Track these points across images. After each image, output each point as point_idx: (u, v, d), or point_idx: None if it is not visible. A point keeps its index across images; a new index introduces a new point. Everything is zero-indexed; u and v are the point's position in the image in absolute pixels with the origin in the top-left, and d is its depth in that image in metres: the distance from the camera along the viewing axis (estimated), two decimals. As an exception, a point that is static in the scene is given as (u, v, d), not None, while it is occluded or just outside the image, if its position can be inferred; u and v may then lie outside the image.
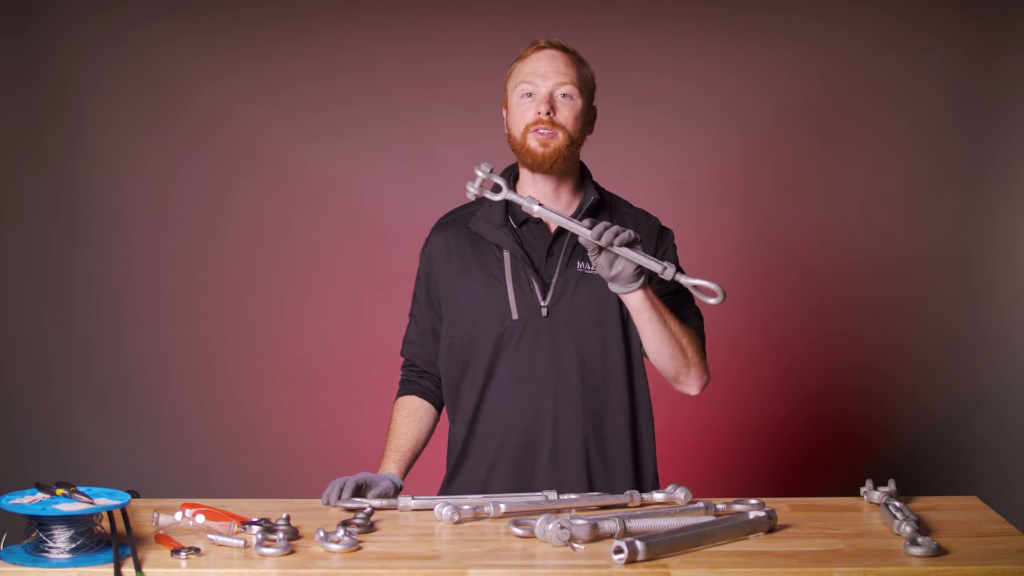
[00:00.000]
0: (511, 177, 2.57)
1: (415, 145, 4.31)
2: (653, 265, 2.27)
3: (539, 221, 2.52)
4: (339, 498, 2.32)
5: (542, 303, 2.47)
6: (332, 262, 4.33)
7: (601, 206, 2.55)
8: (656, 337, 2.40)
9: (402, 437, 2.56)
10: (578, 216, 2.49)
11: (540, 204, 2.29)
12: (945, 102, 4.24)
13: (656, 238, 2.56)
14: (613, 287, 2.33)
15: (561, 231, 2.51)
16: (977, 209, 4.26)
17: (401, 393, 2.65)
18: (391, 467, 2.50)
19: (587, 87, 2.51)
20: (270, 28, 4.28)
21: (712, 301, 2.26)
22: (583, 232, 2.26)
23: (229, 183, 4.32)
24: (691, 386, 2.49)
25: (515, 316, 2.47)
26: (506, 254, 2.50)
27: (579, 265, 2.49)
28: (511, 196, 2.31)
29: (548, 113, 2.45)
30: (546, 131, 2.44)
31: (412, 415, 2.60)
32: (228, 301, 4.33)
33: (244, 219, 4.32)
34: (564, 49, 2.50)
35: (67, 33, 4.22)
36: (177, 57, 4.25)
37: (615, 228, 2.25)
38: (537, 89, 2.46)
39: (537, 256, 2.50)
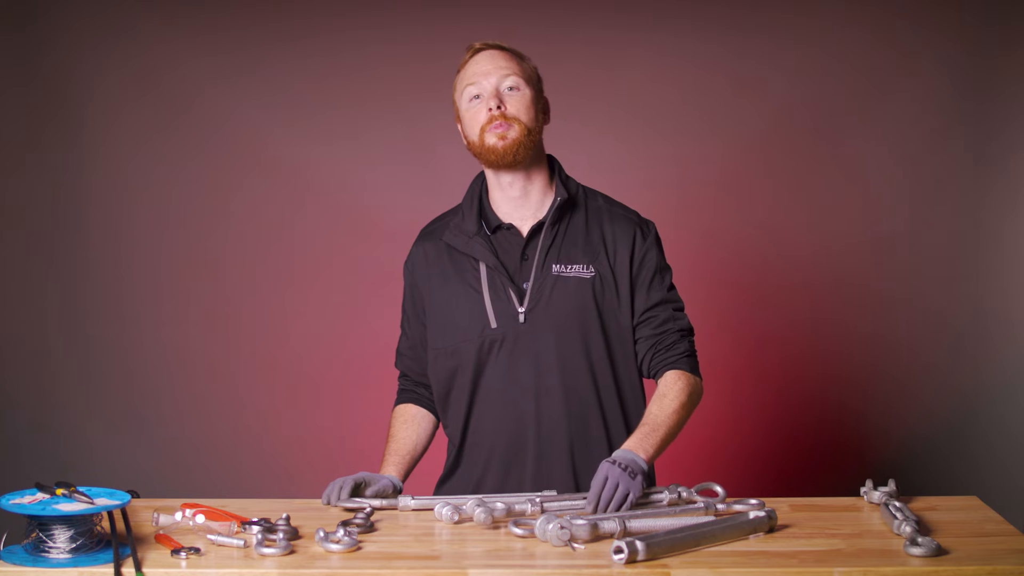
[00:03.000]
0: (482, 189, 2.56)
1: (415, 145, 4.31)
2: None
3: (510, 226, 2.52)
4: (339, 498, 2.32)
5: (519, 309, 2.47)
6: (332, 262, 4.33)
7: (569, 205, 2.53)
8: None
9: (400, 442, 2.56)
10: (548, 216, 2.49)
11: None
12: (945, 100, 4.23)
13: (634, 235, 2.53)
14: None
15: (533, 234, 2.49)
16: (978, 207, 4.26)
17: (399, 402, 2.65)
18: (390, 470, 2.51)
19: (532, 78, 2.51)
20: (270, 28, 4.28)
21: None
22: (590, 512, 2.24)
23: (229, 183, 4.32)
24: None
25: (494, 325, 2.47)
26: (481, 264, 2.49)
27: (554, 268, 2.48)
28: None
29: (499, 107, 2.44)
30: (501, 125, 2.44)
31: (409, 421, 2.60)
32: (228, 301, 4.33)
33: (244, 219, 4.32)
34: (500, 48, 2.50)
35: (67, 33, 4.22)
36: (177, 57, 4.25)
37: (615, 502, 2.23)
38: (482, 88, 2.46)
39: (511, 262, 2.50)
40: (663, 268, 2.55)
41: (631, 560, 1.95)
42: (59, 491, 2.02)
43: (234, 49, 4.27)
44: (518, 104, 2.46)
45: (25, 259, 4.28)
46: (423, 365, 2.60)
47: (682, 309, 2.55)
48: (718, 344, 4.25)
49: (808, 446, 4.30)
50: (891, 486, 2.35)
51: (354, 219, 4.31)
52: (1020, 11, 4.16)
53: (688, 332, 2.53)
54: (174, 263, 4.32)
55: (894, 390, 4.30)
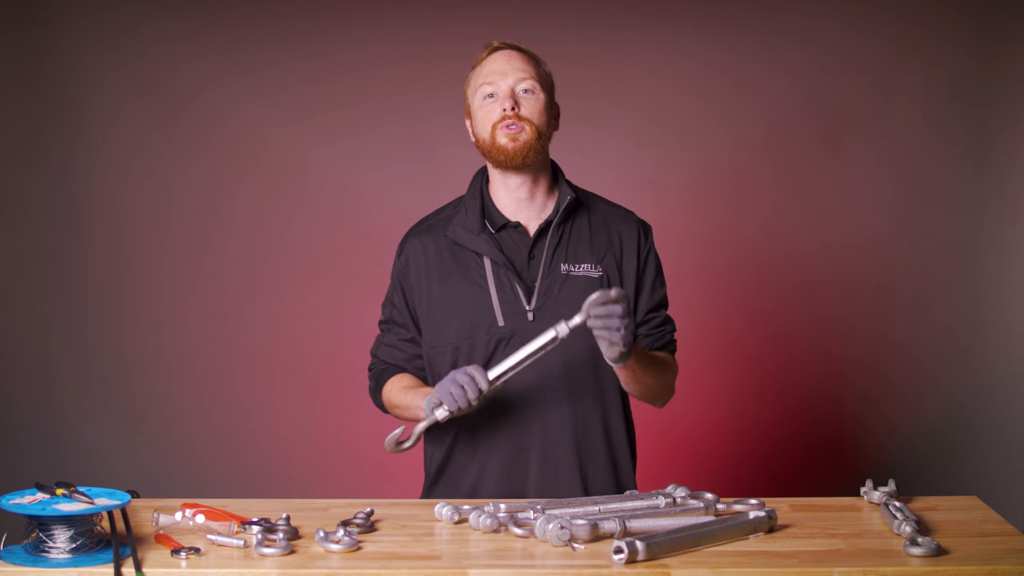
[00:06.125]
0: (482, 181, 2.56)
1: (415, 145, 4.31)
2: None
3: (518, 225, 2.52)
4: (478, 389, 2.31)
5: (527, 307, 2.47)
6: (332, 262, 4.33)
7: (577, 205, 2.55)
8: (630, 388, 2.49)
9: (420, 386, 2.52)
10: (556, 215, 2.50)
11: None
12: (944, 101, 4.23)
13: (638, 236, 2.56)
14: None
15: (541, 234, 2.50)
16: (977, 208, 4.26)
17: (387, 376, 2.59)
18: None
19: (547, 83, 2.52)
20: (270, 28, 4.28)
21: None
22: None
23: (229, 183, 4.32)
24: (656, 405, 2.58)
25: (501, 323, 2.46)
26: (487, 260, 2.49)
27: (562, 267, 2.49)
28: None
29: (513, 108, 2.45)
30: (514, 126, 2.44)
31: (417, 383, 2.54)
32: (228, 301, 4.33)
33: (244, 219, 4.32)
34: (519, 49, 2.51)
35: (67, 33, 4.22)
36: (178, 57, 4.25)
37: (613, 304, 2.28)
38: (498, 88, 2.46)
39: (519, 260, 2.50)
40: (660, 269, 2.60)
41: (631, 560, 1.95)
42: (59, 491, 2.02)
43: (234, 49, 4.27)
44: (532, 107, 2.47)
45: (25, 259, 4.28)
46: (412, 357, 2.57)
47: (671, 322, 2.64)
48: (718, 343, 4.26)
49: (808, 446, 4.30)
50: (891, 486, 2.34)
51: (354, 219, 4.31)
52: (1019, 10, 4.17)
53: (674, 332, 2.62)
54: (174, 263, 4.32)
55: (894, 389, 4.30)
